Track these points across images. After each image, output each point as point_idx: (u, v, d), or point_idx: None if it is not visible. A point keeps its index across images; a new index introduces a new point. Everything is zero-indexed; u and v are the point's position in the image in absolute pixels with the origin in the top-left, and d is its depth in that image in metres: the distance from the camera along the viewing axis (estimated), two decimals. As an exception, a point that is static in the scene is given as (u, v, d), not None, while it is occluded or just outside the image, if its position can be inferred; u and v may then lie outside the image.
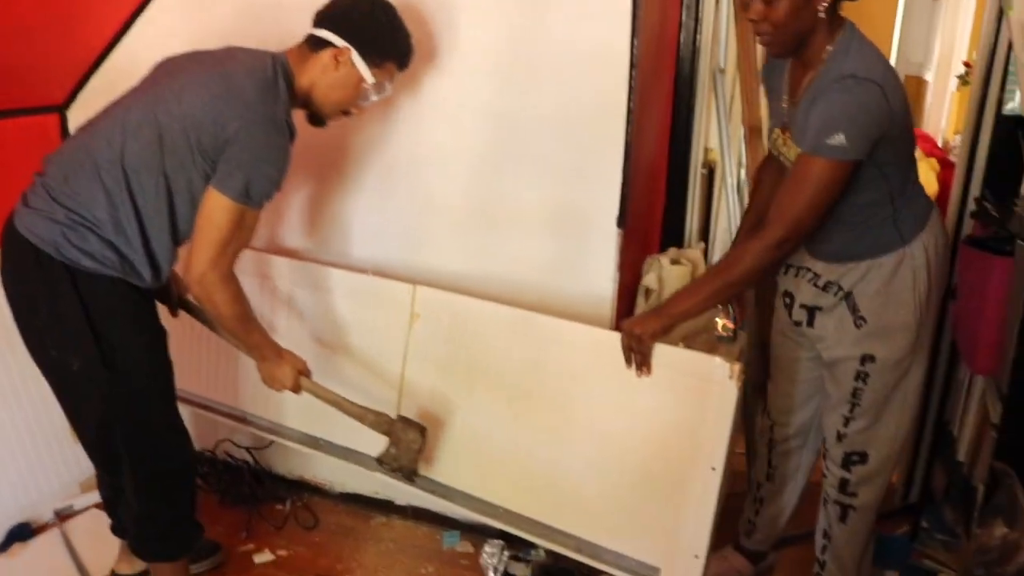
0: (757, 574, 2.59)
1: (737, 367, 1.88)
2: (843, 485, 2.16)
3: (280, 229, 2.68)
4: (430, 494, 2.39)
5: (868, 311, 1.99)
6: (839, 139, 1.74)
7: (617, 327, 2.06)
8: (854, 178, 1.87)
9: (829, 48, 1.84)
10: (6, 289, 1.97)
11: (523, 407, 2.23)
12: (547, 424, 2.20)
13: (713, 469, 1.95)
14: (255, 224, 1.95)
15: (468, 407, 2.32)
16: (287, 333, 2.50)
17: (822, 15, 1.80)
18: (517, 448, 2.25)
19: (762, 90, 2.29)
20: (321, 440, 2.58)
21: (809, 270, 2.09)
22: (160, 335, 2.08)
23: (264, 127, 1.87)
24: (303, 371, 2.16)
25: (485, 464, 2.31)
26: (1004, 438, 1.81)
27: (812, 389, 2.27)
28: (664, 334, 1.95)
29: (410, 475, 2.22)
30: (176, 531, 2.19)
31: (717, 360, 1.92)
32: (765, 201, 2.12)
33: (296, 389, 2.16)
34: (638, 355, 1.97)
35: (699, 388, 1.94)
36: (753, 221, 2.19)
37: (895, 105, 1.78)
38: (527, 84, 2.26)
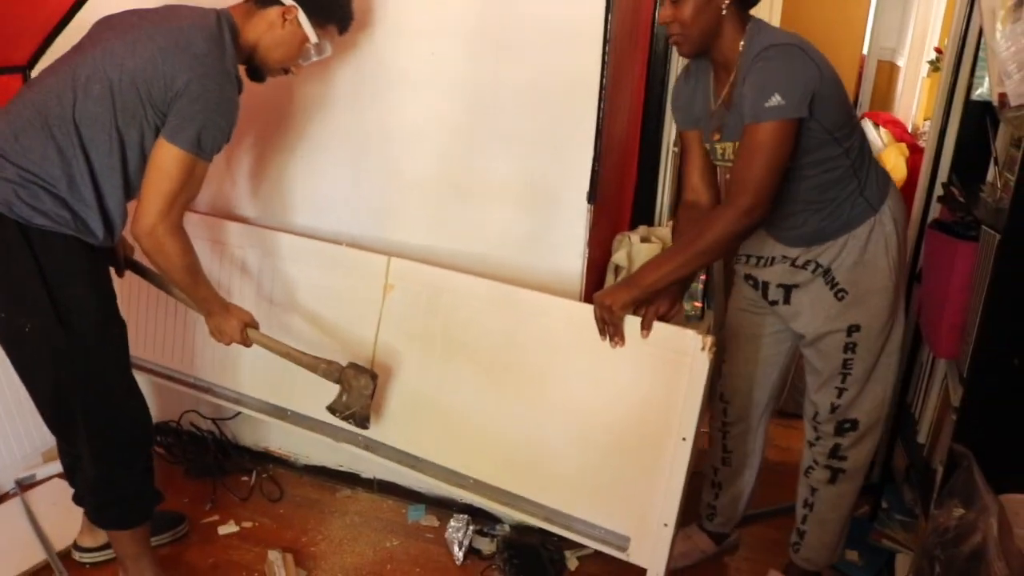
0: (721, 552, 2.62)
1: (710, 340, 1.93)
2: (835, 450, 2.20)
3: (245, 199, 2.65)
4: (396, 464, 2.40)
5: (847, 282, 2.03)
6: (776, 100, 1.79)
7: (589, 299, 2.07)
8: (818, 158, 1.92)
9: (741, 44, 1.91)
10: None
11: (499, 379, 2.25)
12: (523, 396, 2.22)
13: (684, 439, 1.99)
14: (203, 176, 1.96)
15: (443, 379, 2.33)
16: (256, 303, 2.48)
17: (724, 12, 1.89)
18: (492, 420, 2.27)
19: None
20: (288, 411, 2.58)
21: (785, 257, 2.11)
22: (114, 296, 2.07)
23: (215, 79, 1.88)
24: (250, 323, 2.19)
25: (459, 436, 2.33)
26: (963, 421, 1.83)
27: (771, 367, 2.30)
28: (634, 305, 1.97)
29: (362, 422, 2.25)
30: (133, 498, 2.18)
31: (690, 332, 1.96)
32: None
33: (245, 341, 2.19)
34: (611, 326, 2.00)
35: (673, 360, 1.98)
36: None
37: (819, 63, 1.84)
38: (499, 56, 2.24)
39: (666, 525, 2.05)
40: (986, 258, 1.97)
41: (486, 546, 2.57)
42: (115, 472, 2.13)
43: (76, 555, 2.42)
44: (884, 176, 2.07)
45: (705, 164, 2.14)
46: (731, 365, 2.36)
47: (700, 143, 2.12)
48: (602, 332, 2.03)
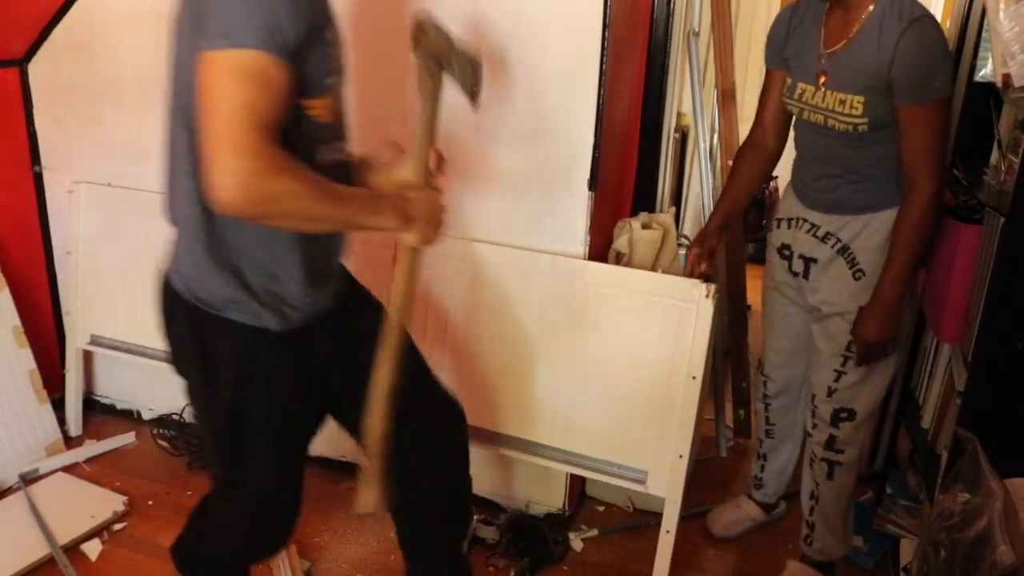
0: (770, 521, 2.66)
1: (712, 287, 2.14)
2: (831, 442, 2.20)
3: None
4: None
5: (867, 264, 2.04)
6: (940, 80, 1.84)
7: (858, 337, 2.05)
8: (887, 135, 1.94)
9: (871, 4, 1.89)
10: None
11: (514, 338, 2.35)
12: (540, 352, 2.33)
13: (694, 378, 2.19)
14: (281, 80, 1.31)
15: (459, 342, 2.40)
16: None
17: None
18: (509, 377, 2.37)
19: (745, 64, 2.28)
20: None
21: (806, 220, 2.12)
22: (301, 398, 1.71)
23: None
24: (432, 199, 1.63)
25: (476, 394, 2.38)
26: (968, 405, 1.82)
27: (803, 344, 2.31)
28: (896, 326, 2.02)
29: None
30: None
31: (695, 282, 2.18)
32: (745, 188, 2.26)
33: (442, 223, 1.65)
34: (879, 357, 2.07)
35: (681, 308, 2.19)
36: (729, 207, 2.29)
37: None
38: (498, 42, 2.23)
39: (681, 456, 2.22)
40: (990, 241, 1.95)
41: (490, 535, 2.56)
42: (215, 556, 1.93)
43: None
44: None
45: (780, 107, 2.14)
46: (768, 341, 2.40)
47: (781, 85, 2.11)
48: (866, 362, 2.07)
